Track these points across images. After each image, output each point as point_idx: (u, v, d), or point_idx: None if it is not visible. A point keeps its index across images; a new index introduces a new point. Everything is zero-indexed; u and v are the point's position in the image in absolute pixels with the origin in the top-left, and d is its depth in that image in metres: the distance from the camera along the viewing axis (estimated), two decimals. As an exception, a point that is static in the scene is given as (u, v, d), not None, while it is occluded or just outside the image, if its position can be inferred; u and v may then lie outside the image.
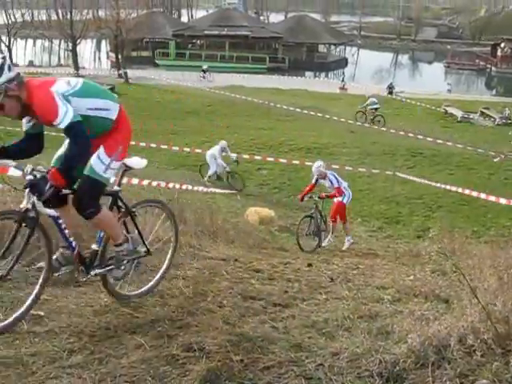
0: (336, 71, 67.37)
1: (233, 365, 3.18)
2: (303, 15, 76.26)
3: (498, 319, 3.08)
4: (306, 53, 68.78)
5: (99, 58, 75.61)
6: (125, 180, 12.62)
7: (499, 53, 70.92)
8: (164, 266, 4.75)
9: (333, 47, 73.86)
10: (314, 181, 11.93)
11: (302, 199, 12.12)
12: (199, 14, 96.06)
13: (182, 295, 4.56)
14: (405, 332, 3.50)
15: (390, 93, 43.39)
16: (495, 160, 24.29)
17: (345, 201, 11.81)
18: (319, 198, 11.73)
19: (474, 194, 17.03)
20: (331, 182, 11.57)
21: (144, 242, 4.44)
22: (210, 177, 19.42)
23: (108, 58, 68.37)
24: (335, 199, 11.87)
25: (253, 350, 3.41)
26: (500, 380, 2.68)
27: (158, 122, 30.43)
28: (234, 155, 19.81)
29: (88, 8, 53.68)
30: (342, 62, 72.79)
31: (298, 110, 33.46)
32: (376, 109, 31.17)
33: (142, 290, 4.48)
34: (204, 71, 48.19)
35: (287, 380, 3.05)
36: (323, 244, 11.62)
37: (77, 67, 48.93)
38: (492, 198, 16.16)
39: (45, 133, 3.91)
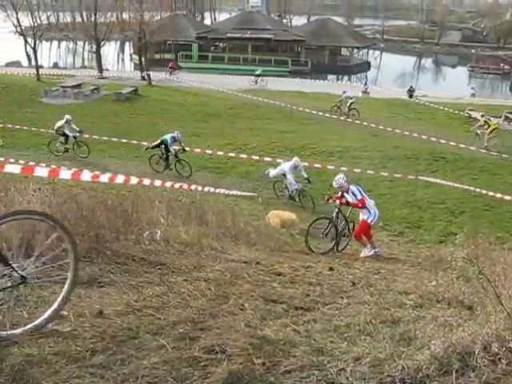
0: (359, 75, 67.18)
1: (254, 368, 3.17)
2: (326, 18, 76.10)
3: (524, 327, 3.04)
4: (328, 56, 68.66)
5: (122, 60, 76.38)
6: (147, 182, 12.71)
7: (525, 57, 70.20)
8: (59, 298, 3.74)
9: (355, 50, 73.67)
10: (339, 194, 11.43)
11: (328, 201, 11.84)
12: (222, 16, 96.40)
13: (203, 297, 4.57)
14: (427, 338, 3.48)
15: (411, 96, 43.31)
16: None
17: (370, 220, 11.08)
18: (340, 203, 11.31)
19: (498, 195, 16.84)
20: (354, 195, 11.12)
21: (13, 268, 3.43)
22: (290, 196, 17.80)
23: (131, 60, 68.95)
24: (360, 217, 11.29)
25: (274, 353, 3.40)
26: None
27: (179, 124, 30.57)
28: (305, 174, 18.03)
29: (112, 10, 54.19)
30: (365, 66, 72.58)
31: (320, 113, 33.38)
32: (352, 103, 34.40)
33: (28, 327, 3.53)
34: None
35: (309, 384, 3.04)
36: (340, 248, 11.36)
37: (100, 69, 49.38)
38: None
39: None
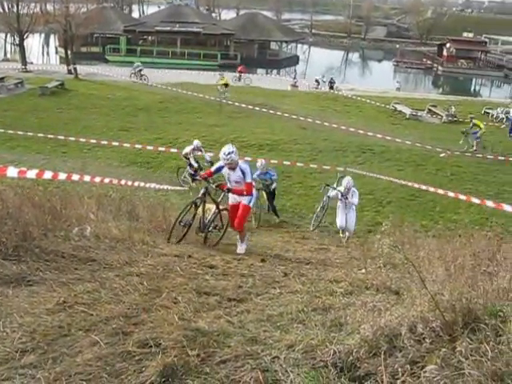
0: (287, 68, 67.85)
1: (189, 359, 3.18)
2: (255, 12, 76.41)
3: (446, 308, 3.18)
4: (257, 50, 69.07)
5: (48, 53, 73.98)
6: (76, 177, 12.41)
7: (445, 52, 73.01)
8: None
9: (284, 45, 74.37)
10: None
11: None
12: (151, 9, 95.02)
13: (136, 292, 4.54)
14: (357, 323, 3.58)
15: (331, 87, 44.49)
16: (442, 155, 24.97)
17: (252, 203, 9.21)
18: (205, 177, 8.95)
19: (423, 187, 17.49)
20: (243, 174, 8.72)
21: None
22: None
23: (57, 53, 66.95)
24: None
25: (209, 344, 3.42)
26: (447, 365, 2.78)
27: (108, 119, 30.03)
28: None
29: (36, 1, 52.32)
30: (294, 60, 73.44)
31: (249, 106, 33.51)
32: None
33: None
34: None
35: (243, 373, 3.07)
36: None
37: (24, 62, 47.62)
38: (440, 192, 16.62)
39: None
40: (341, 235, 13.51)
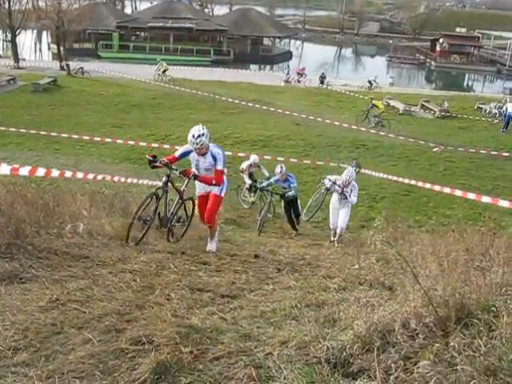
0: (281, 64, 67.75)
1: (182, 356, 3.17)
2: (248, 8, 76.28)
3: (439, 303, 3.19)
4: (250, 46, 68.90)
5: (40, 50, 73.57)
6: (69, 174, 12.37)
7: (438, 48, 73.07)
8: None
9: (277, 40, 74.23)
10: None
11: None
12: (143, 5, 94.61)
13: (129, 289, 4.53)
14: (351, 319, 3.59)
15: (322, 82, 44.63)
16: (434, 150, 25.03)
17: (223, 193, 7.81)
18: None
19: (420, 184, 17.51)
20: (214, 159, 7.45)
21: None
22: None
23: (49, 49, 66.64)
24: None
25: (202, 341, 3.41)
26: (440, 360, 2.78)
27: (101, 115, 29.94)
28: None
29: (28, -3, 52.10)
30: (287, 55, 73.34)
31: (243, 102, 33.47)
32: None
33: None
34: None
35: (237, 369, 3.07)
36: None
37: (17, 59, 47.39)
38: (437, 188, 16.65)
39: None
40: (332, 238, 11.66)
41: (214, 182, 7.36)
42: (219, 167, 7.31)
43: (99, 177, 13.31)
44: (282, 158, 20.39)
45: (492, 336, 2.89)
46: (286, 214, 13.61)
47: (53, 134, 23.22)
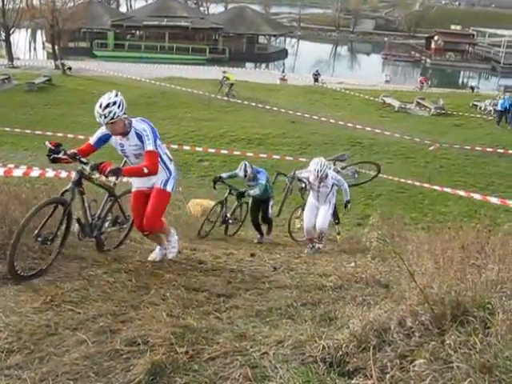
0: (276, 62, 67.76)
1: (177, 357, 3.15)
2: (243, 6, 76.14)
3: (435, 301, 3.17)
4: (246, 44, 68.92)
5: (35, 49, 73.41)
6: (64, 174, 12.28)
7: (433, 45, 73.21)
8: None
9: (273, 38, 74.24)
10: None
11: None
12: (138, 4, 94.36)
13: (124, 289, 4.51)
14: (347, 317, 3.57)
15: (316, 80, 44.60)
16: (430, 148, 25.05)
17: (170, 188, 5.91)
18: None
19: (417, 183, 17.52)
20: (141, 141, 5.56)
21: None
22: None
23: (44, 48, 66.48)
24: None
25: (197, 341, 3.39)
26: (436, 358, 2.78)
27: (96, 115, 29.79)
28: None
29: (21, -4, 51.91)
30: (282, 53, 73.36)
31: (238, 101, 33.44)
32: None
33: None
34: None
35: (232, 369, 3.05)
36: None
37: (11, 58, 47.27)
38: (436, 187, 16.66)
39: None
40: (308, 246, 9.32)
41: (146, 171, 5.21)
42: (149, 147, 5.27)
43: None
44: (277, 156, 20.38)
45: (488, 333, 2.88)
46: (250, 215, 11.35)
47: (48, 133, 23.12)
